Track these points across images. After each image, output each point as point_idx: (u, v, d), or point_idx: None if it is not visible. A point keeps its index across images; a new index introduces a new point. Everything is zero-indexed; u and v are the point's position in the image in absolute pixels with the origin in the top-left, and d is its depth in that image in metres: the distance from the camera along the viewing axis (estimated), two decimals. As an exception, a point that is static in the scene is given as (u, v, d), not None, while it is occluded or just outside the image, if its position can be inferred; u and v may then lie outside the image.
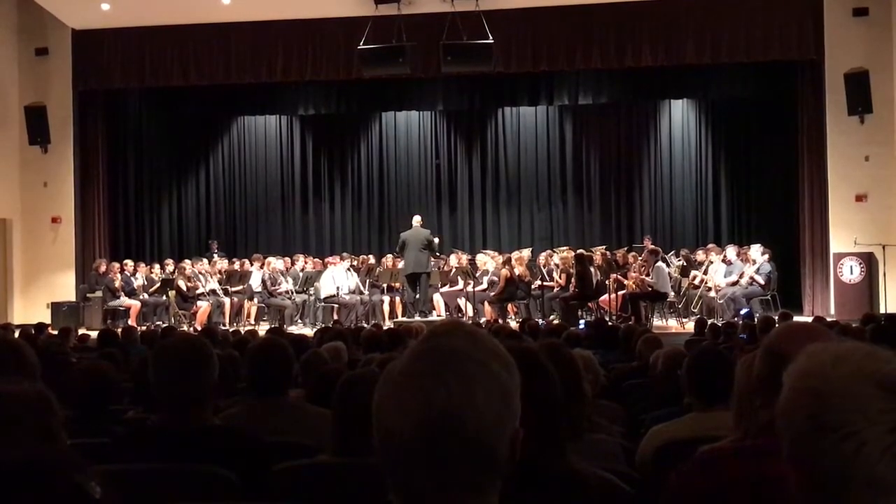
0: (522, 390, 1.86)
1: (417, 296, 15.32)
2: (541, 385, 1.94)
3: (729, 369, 3.16)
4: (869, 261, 15.17)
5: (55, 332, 11.14)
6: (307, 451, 3.08)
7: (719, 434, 2.80)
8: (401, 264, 15.62)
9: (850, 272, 15.21)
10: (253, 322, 15.87)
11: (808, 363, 1.32)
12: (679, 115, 19.25)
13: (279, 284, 15.94)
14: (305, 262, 17.03)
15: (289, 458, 2.94)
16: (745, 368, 2.45)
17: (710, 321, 11.88)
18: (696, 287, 15.40)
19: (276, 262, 16.34)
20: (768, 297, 14.96)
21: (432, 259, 15.91)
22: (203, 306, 15.58)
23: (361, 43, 15.31)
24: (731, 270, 15.10)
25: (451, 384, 1.25)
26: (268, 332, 8.42)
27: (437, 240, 15.76)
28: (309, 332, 13.37)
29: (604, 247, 16.65)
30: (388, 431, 1.25)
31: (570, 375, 2.60)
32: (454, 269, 16.28)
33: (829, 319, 11.05)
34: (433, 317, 15.11)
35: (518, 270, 15.27)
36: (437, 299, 15.91)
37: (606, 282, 15.02)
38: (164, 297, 15.95)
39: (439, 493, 1.25)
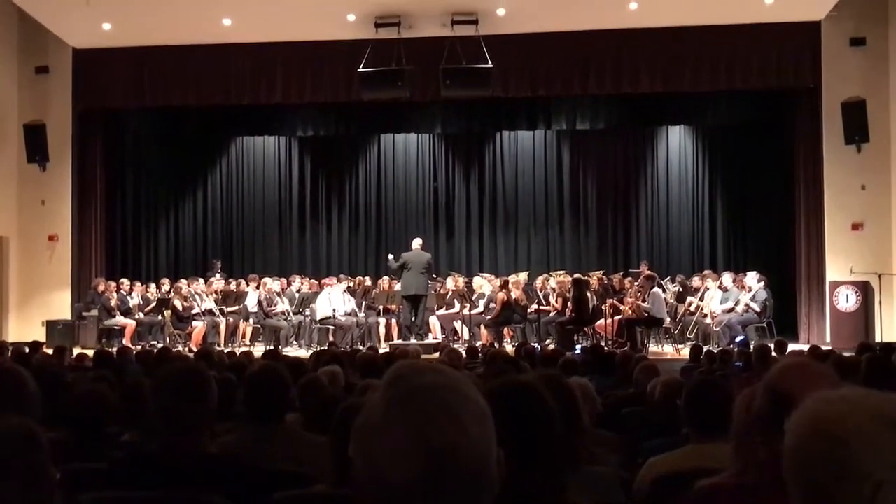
0: (523, 423, 1.87)
1: (414, 318, 15.31)
2: (540, 419, 1.95)
3: (727, 401, 3.16)
4: (865, 289, 15.19)
5: (50, 351, 11.11)
6: (304, 479, 3.07)
7: (717, 467, 2.80)
8: (397, 286, 15.62)
9: (846, 300, 15.24)
10: (248, 343, 15.82)
11: (823, 408, 1.31)
12: (676, 142, 19.32)
13: (275, 305, 15.92)
14: (302, 284, 17.02)
15: (286, 487, 2.93)
16: (745, 403, 2.46)
17: (705, 348, 11.89)
18: (692, 313, 15.41)
19: (273, 283, 16.31)
20: (764, 324, 14.96)
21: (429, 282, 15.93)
22: (198, 326, 15.54)
23: (361, 66, 15.37)
24: (728, 297, 15.12)
25: (442, 420, 1.26)
26: (263, 354, 8.40)
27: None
28: (304, 353, 13.35)
29: (601, 272, 16.68)
30: (384, 480, 1.24)
31: (569, 407, 2.60)
32: (451, 292, 16.28)
33: (824, 348, 11.03)
34: (429, 339, 15.10)
35: (514, 294, 15.27)
36: (434, 322, 15.90)
37: (602, 307, 15.01)
38: (160, 317, 15.93)
39: None
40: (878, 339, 13.93)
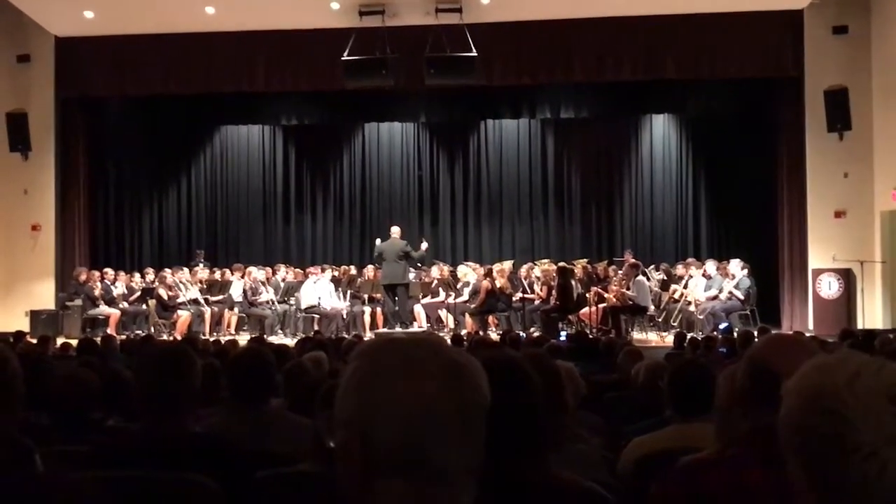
0: (505, 400, 1.87)
1: (396, 308, 15.31)
2: (524, 395, 1.95)
3: (710, 381, 3.18)
4: (847, 277, 15.28)
5: (34, 341, 11.06)
6: (287, 460, 3.08)
7: (700, 446, 2.81)
8: (381, 275, 15.64)
9: (829, 288, 15.33)
10: (233, 332, 15.79)
11: (818, 380, 1.30)
12: (660, 130, 19.36)
13: (260, 294, 15.89)
14: (286, 273, 16.99)
15: (270, 466, 2.94)
16: (728, 380, 2.47)
17: (689, 335, 11.93)
18: (676, 301, 15.49)
19: (257, 272, 16.29)
20: (747, 311, 15.05)
21: (412, 270, 15.90)
22: (183, 315, 15.50)
23: (345, 54, 15.33)
24: (711, 285, 15.20)
25: (416, 372, 1.25)
26: (249, 341, 8.39)
27: (425, 246, 15.73)
28: (290, 342, 13.33)
29: (585, 260, 16.70)
30: (368, 447, 1.23)
31: (553, 385, 2.61)
32: (435, 281, 16.29)
33: (807, 335, 11.11)
34: (414, 328, 15.11)
35: (499, 282, 15.29)
36: (419, 310, 15.90)
37: (587, 295, 15.06)
38: (144, 306, 15.88)
39: (420, 495, 1.24)
40: (860, 326, 14.03)
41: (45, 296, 16.78)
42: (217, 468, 2.75)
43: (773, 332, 11.01)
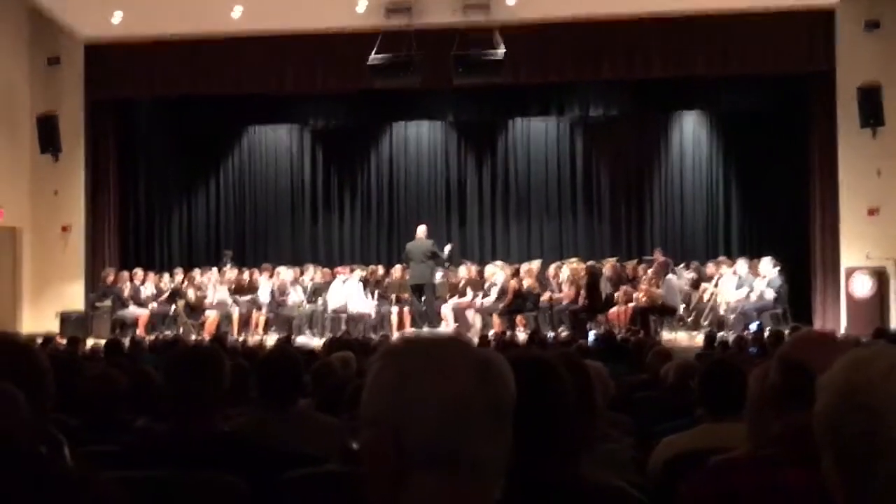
0: (536, 399, 1.85)
1: (424, 308, 15.30)
2: (555, 394, 1.93)
3: (741, 380, 3.14)
4: (880, 276, 15.09)
5: (63, 342, 11.15)
6: (315, 460, 3.07)
7: (731, 446, 2.78)
8: (408, 275, 15.64)
9: (862, 287, 15.13)
10: (262, 332, 15.84)
11: (853, 376, 1.27)
12: (690, 127, 19.21)
13: (288, 295, 15.93)
14: (314, 273, 17.01)
15: (297, 467, 2.93)
16: (759, 380, 2.43)
17: (719, 335, 11.84)
18: (707, 300, 15.34)
19: (286, 273, 16.32)
20: (779, 311, 14.90)
21: (440, 270, 15.87)
22: (212, 316, 15.57)
23: (372, 54, 15.34)
24: (742, 284, 15.05)
25: (447, 369, 1.26)
26: (276, 342, 8.41)
27: (449, 247, 15.69)
28: (318, 342, 13.37)
29: (614, 259, 16.59)
30: (399, 446, 1.22)
31: (583, 385, 2.58)
32: (463, 281, 16.25)
33: (839, 334, 10.99)
34: (441, 328, 15.09)
35: (527, 282, 15.24)
36: (446, 311, 15.87)
37: (616, 294, 14.98)
38: (173, 307, 15.96)
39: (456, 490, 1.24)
40: (893, 326, 13.86)
41: (75, 297, 16.90)
42: (245, 468, 2.74)
43: (803, 330, 10.92)
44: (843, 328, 14.58)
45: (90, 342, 13.42)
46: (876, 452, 1.20)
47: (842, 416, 1.25)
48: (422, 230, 15.45)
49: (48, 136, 16.77)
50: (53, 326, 15.20)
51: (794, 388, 1.95)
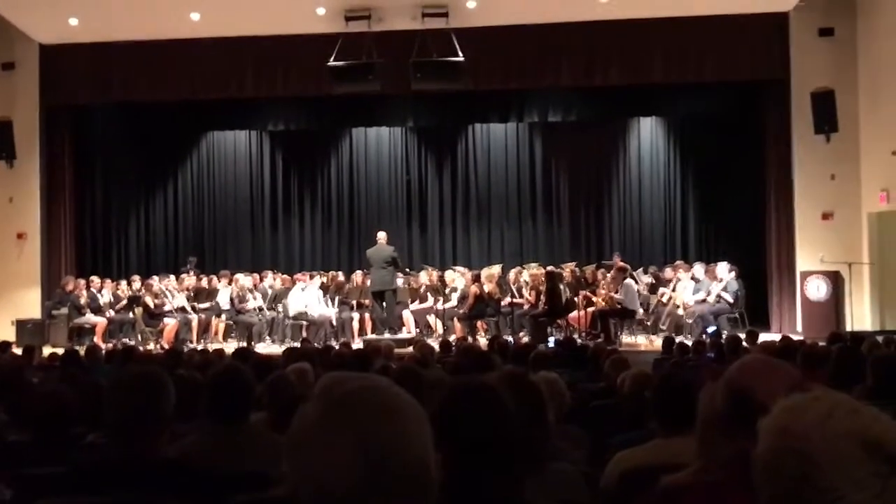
0: (477, 429, 1.83)
1: (385, 314, 15.27)
2: (497, 419, 1.91)
3: (693, 396, 3.15)
4: (835, 279, 15.29)
5: (19, 351, 10.98)
6: (265, 480, 3.03)
7: (683, 461, 2.79)
8: (369, 281, 15.60)
9: (817, 290, 15.33)
10: (221, 339, 15.73)
11: (790, 421, 1.29)
12: (647, 133, 19.35)
13: (247, 301, 15.82)
14: (274, 279, 16.93)
15: (246, 488, 2.89)
16: (709, 398, 2.43)
17: (678, 339, 11.91)
18: (665, 304, 15.47)
19: (245, 279, 16.22)
20: (736, 314, 15.04)
21: (400, 276, 15.86)
22: (170, 323, 15.42)
23: (332, 59, 15.28)
24: (699, 288, 15.18)
25: (380, 421, 1.23)
26: (235, 351, 8.34)
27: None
28: (278, 349, 13.30)
29: (573, 263, 16.67)
30: (325, 489, 1.21)
31: (533, 404, 2.58)
32: (424, 286, 16.25)
33: (795, 338, 11.09)
34: (403, 334, 15.07)
35: (487, 287, 15.25)
36: (407, 316, 15.86)
37: (576, 299, 15.05)
38: (131, 315, 15.79)
39: None
40: (848, 328, 14.04)
41: (31, 304, 16.68)
42: (189, 493, 2.71)
43: (758, 336, 11.02)
44: (798, 331, 14.75)
45: (47, 350, 13.24)
46: (808, 498, 1.21)
47: (777, 460, 1.26)
48: (382, 236, 15.42)
49: (2, 142, 16.57)
50: (9, 334, 14.96)
51: (740, 416, 1.96)
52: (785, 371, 2.04)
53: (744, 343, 9.71)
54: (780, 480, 1.26)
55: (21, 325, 15.89)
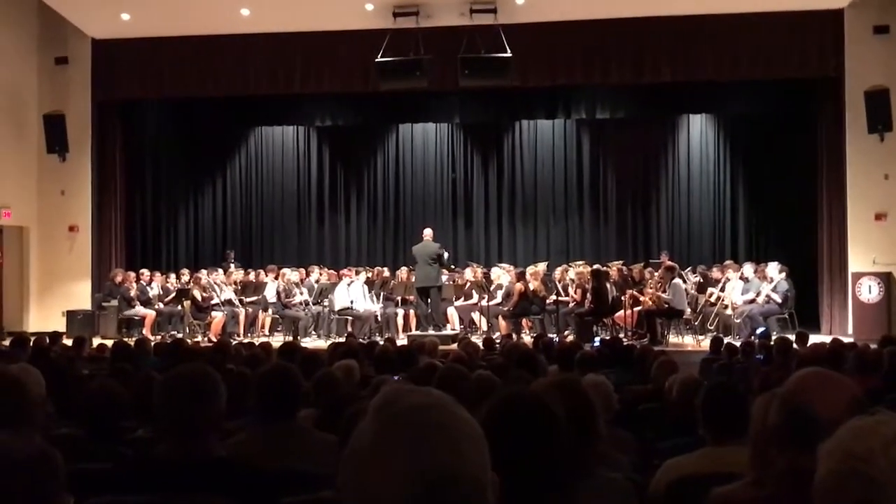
0: (527, 443, 1.81)
1: (429, 310, 15.28)
2: (546, 432, 1.89)
3: (743, 405, 3.11)
4: (888, 280, 15.04)
5: (69, 342, 11.15)
6: (314, 479, 3.04)
7: (733, 471, 2.75)
8: (414, 277, 15.62)
9: (869, 292, 15.08)
10: (267, 333, 15.86)
11: (855, 444, 1.27)
12: (697, 131, 19.15)
13: (294, 296, 15.92)
14: (320, 274, 17.01)
15: (295, 487, 2.90)
16: (762, 411, 2.39)
17: (726, 340, 11.78)
18: (713, 304, 15.29)
19: (291, 274, 16.31)
20: (785, 315, 14.83)
21: (445, 272, 15.85)
22: (218, 317, 15.56)
23: (379, 55, 15.31)
24: (749, 288, 14.98)
25: (435, 441, 1.21)
26: (281, 346, 8.37)
27: (446, 254, 15.70)
28: (323, 343, 13.39)
29: (620, 262, 16.56)
30: None
31: (584, 413, 2.55)
32: (469, 283, 16.22)
33: (846, 340, 10.91)
34: (447, 330, 15.06)
35: (533, 285, 15.18)
36: (452, 313, 15.86)
37: (622, 298, 14.93)
38: (180, 307, 15.95)
39: None
40: (901, 331, 13.79)
41: (81, 296, 16.94)
42: (240, 492, 2.72)
43: (808, 338, 10.84)
44: (850, 333, 14.52)
45: (96, 341, 13.44)
46: None
47: (841, 483, 1.23)
48: (428, 233, 15.43)
49: (55, 136, 16.80)
50: (60, 325, 15.21)
51: (797, 431, 1.92)
52: (843, 386, 1.99)
53: (794, 346, 9.57)
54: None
55: (71, 316, 16.15)
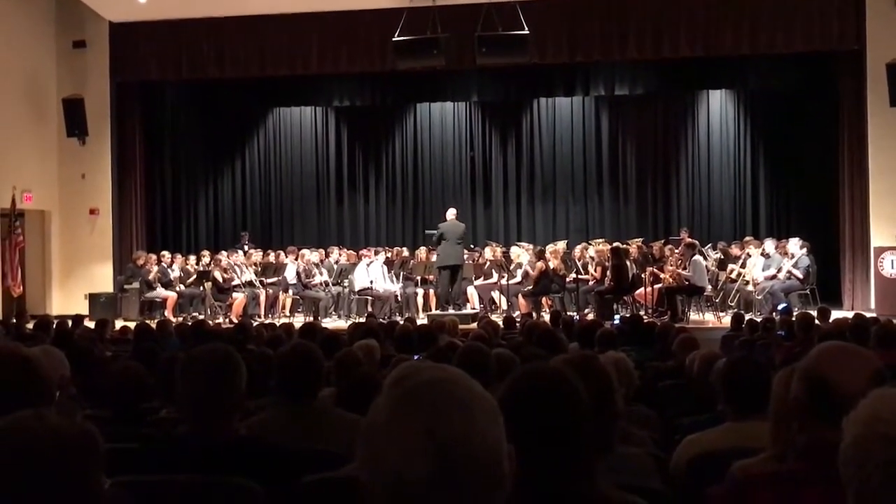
0: (547, 418, 1.81)
1: (450, 289, 15.28)
2: (568, 407, 1.89)
3: (765, 379, 3.09)
4: (911, 255, 14.91)
5: (92, 325, 11.24)
6: (335, 459, 3.06)
7: (755, 446, 2.75)
8: (433, 257, 15.59)
9: (892, 266, 14.95)
10: (288, 314, 15.92)
11: (879, 409, 1.28)
12: (717, 106, 19.02)
13: (313, 276, 15.96)
14: (340, 255, 17.05)
15: (317, 467, 2.92)
16: (783, 385, 2.39)
17: (747, 316, 11.74)
18: (734, 281, 15.22)
19: (311, 255, 16.36)
20: (807, 291, 14.76)
21: (465, 251, 15.87)
22: (239, 298, 15.65)
23: (396, 34, 15.25)
24: (770, 264, 14.89)
25: (450, 412, 1.23)
26: (302, 327, 8.42)
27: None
28: (343, 324, 13.43)
29: (640, 239, 16.49)
30: (396, 478, 1.21)
31: (603, 389, 2.54)
32: (488, 262, 16.22)
33: (868, 315, 10.84)
34: (467, 310, 15.07)
35: (553, 263, 15.16)
36: (472, 292, 15.86)
37: (642, 275, 14.89)
38: (201, 289, 16.04)
39: None
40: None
41: (103, 279, 17.04)
42: (262, 472, 2.74)
43: (831, 314, 10.78)
44: (872, 308, 14.42)
45: (118, 324, 13.53)
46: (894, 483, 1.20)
47: (866, 448, 1.25)
48: (452, 213, 15.37)
49: (75, 120, 16.85)
50: (83, 308, 15.33)
51: (819, 405, 1.91)
52: (865, 358, 1.98)
53: (816, 322, 9.52)
54: (868, 468, 1.24)
55: (93, 298, 16.26)
